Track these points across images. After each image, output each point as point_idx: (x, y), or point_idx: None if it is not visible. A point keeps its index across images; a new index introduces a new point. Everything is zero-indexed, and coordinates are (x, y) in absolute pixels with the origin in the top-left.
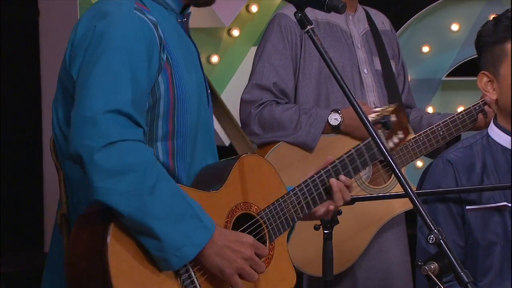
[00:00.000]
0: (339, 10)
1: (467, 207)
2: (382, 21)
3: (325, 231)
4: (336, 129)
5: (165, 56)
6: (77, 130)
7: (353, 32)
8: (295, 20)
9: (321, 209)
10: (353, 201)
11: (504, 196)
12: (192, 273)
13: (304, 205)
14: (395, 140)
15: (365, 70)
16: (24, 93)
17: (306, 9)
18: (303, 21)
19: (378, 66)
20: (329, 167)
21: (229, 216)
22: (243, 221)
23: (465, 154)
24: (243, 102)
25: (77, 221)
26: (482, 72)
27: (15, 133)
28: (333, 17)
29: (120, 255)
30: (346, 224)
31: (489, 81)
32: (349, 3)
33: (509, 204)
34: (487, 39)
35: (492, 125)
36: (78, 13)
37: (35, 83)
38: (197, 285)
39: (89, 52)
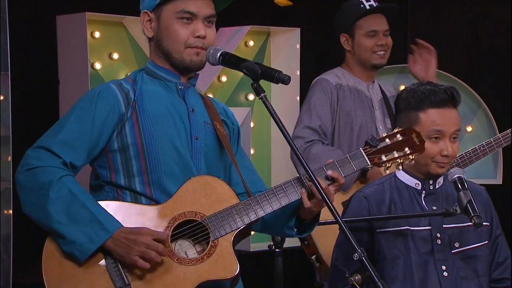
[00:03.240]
0: (285, 82)
1: (377, 230)
2: (388, 89)
3: (277, 250)
4: (364, 173)
5: (130, 113)
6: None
7: (372, 97)
8: (333, 82)
9: (308, 204)
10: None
11: (407, 221)
12: (119, 263)
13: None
14: (395, 154)
15: (380, 127)
16: (43, 114)
17: (345, 76)
18: (257, 90)
19: (389, 125)
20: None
21: (171, 222)
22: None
23: (377, 190)
24: (295, 137)
25: None
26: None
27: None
28: (359, 84)
29: (52, 255)
30: None
31: None
32: (370, 76)
33: (410, 228)
34: (402, 105)
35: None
36: (89, 84)
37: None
38: (120, 269)
39: None
